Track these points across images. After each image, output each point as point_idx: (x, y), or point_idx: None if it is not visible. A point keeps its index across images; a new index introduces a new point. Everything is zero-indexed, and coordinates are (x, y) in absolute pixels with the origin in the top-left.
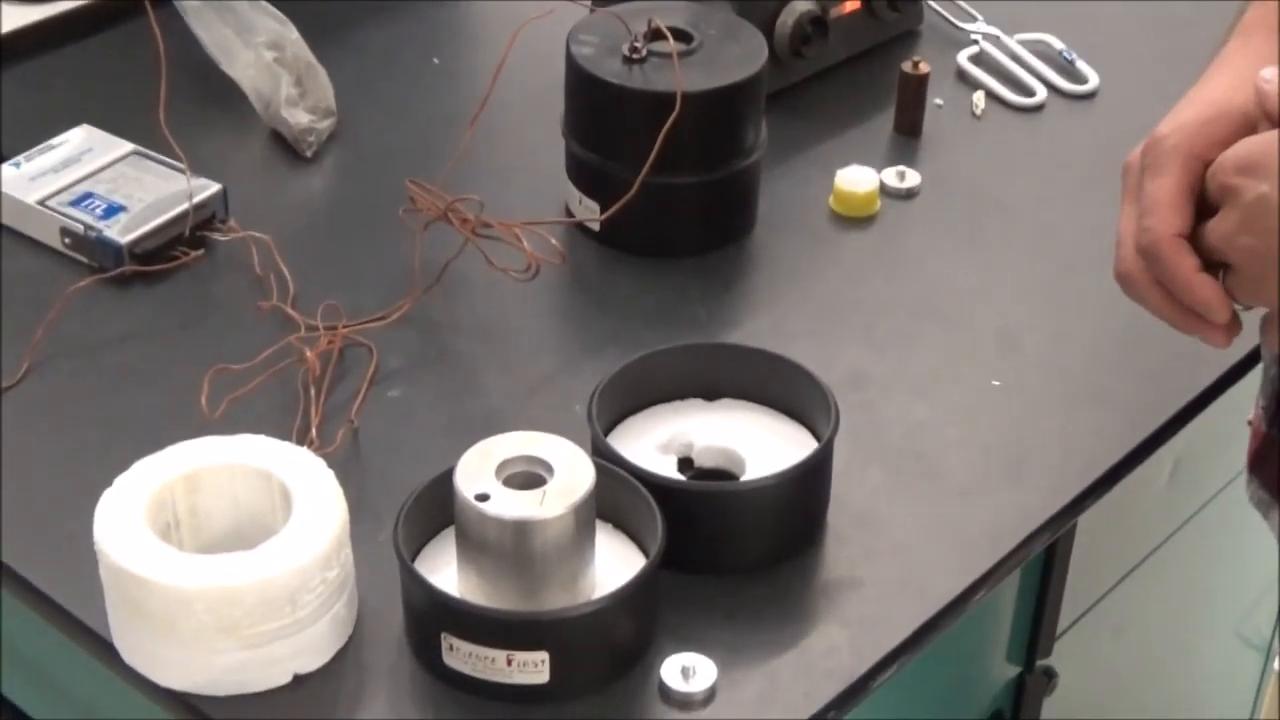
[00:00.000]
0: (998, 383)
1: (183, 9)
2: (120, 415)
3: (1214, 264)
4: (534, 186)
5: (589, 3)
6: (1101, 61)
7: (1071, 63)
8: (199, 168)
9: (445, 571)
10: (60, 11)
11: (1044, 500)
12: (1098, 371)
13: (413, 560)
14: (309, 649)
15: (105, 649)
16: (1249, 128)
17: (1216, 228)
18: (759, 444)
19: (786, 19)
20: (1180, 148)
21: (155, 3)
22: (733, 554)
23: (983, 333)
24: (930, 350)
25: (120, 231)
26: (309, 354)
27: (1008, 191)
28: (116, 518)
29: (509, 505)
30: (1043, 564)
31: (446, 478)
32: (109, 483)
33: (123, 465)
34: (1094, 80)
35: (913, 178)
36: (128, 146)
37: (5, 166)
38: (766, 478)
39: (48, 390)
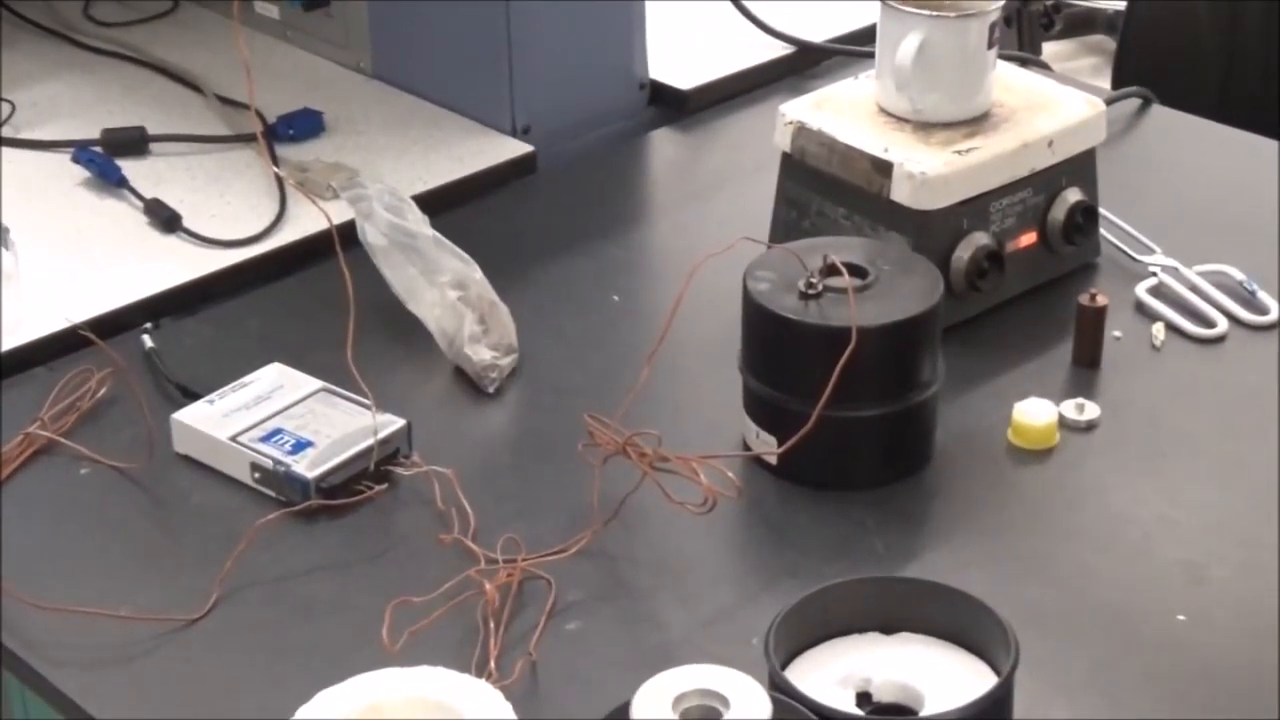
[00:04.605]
0: (1183, 617)
1: (371, 250)
2: (304, 646)
3: None
4: (711, 420)
5: (765, 240)
6: None
7: (1253, 294)
8: (384, 403)
9: None
10: (255, 255)
11: None
12: None
13: None
14: None
15: None
16: None
17: None
18: (938, 678)
19: (963, 253)
20: None
21: (344, 245)
22: None
23: (1167, 565)
24: (1112, 584)
25: (308, 466)
26: (488, 587)
27: (1190, 423)
28: None
29: None
30: None
31: (623, 711)
32: (291, 713)
33: (305, 696)
34: (1275, 311)
35: (1092, 410)
36: (316, 384)
37: (199, 404)
38: (947, 713)
39: (235, 621)
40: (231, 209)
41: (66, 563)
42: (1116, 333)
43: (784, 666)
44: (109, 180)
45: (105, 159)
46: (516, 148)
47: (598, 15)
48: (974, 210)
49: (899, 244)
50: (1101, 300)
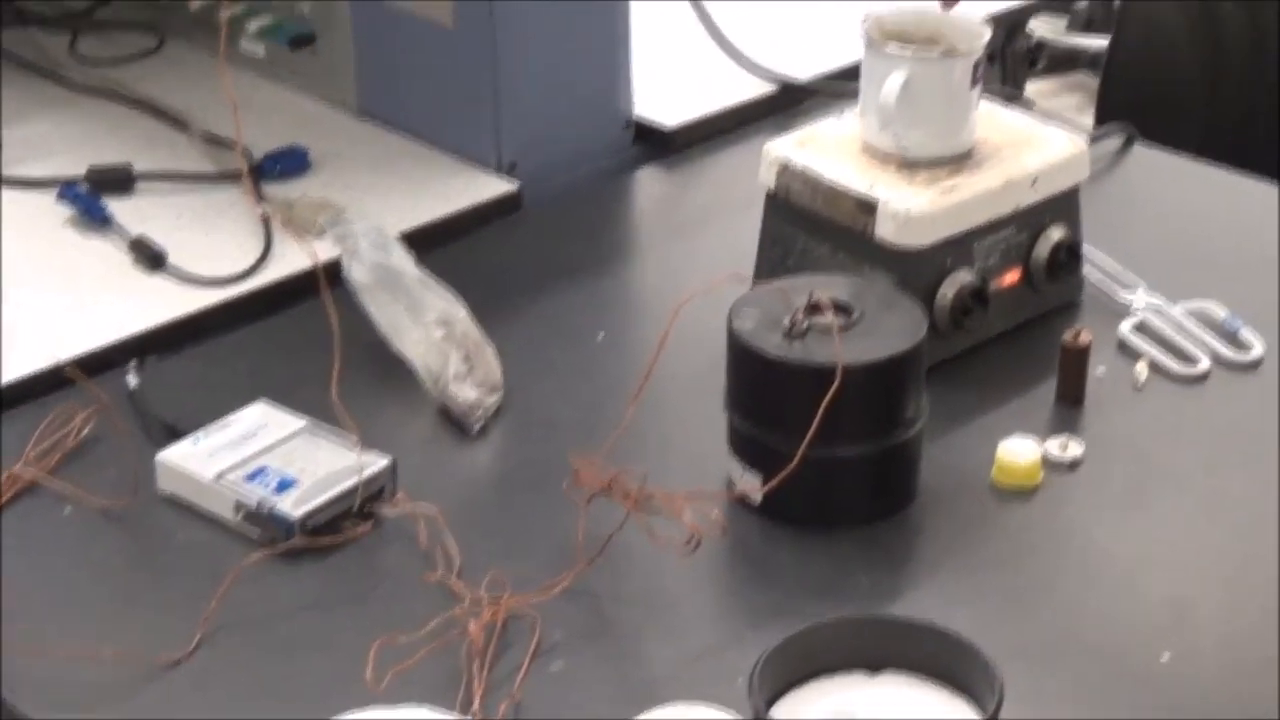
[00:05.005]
0: (1167, 657)
1: (356, 288)
2: (288, 685)
3: None
4: (696, 459)
5: (750, 278)
6: (1267, 328)
7: (1236, 331)
8: (369, 442)
9: None
10: (241, 293)
11: None
12: (1272, 640)
13: None
14: None
15: None
16: None
17: None
18: (923, 717)
19: (947, 291)
20: None
21: (330, 283)
22: None
23: (1153, 603)
24: (1097, 622)
25: (292, 505)
26: (473, 626)
27: (1174, 460)
28: None
29: None
30: None
31: None
32: None
33: None
34: (1259, 348)
35: (1076, 448)
36: (301, 422)
37: (184, 442)
38: None
39: (219, 660)
40: (217, 247)
41: (50, 602)
42: (1100, 370)
43: (769, 705)
44: (94, 218)
45: (91, 197)
46: (502, 185)
47: (583, 54)
48: (958, 248)
49: (883, 282)
50: (1085, 338)
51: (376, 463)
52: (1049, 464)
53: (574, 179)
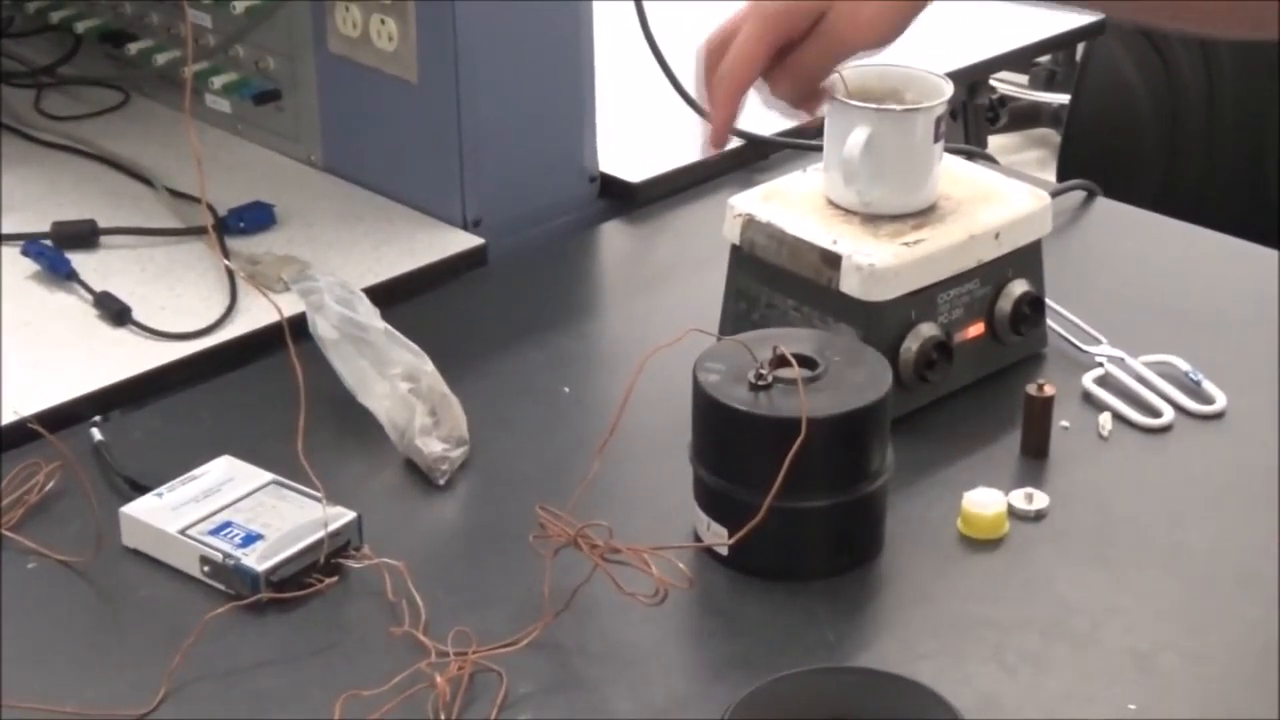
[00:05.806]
0: (1133, 707)
1: (321, 342)
2: None
3: None
4: (662, 512)
5: (715, 332)
6: (1229, 382)
7: (1198, 384)
8: (335, 496)
9: None
10: (206, 347)
11: None
12: (1236, 692)
13: None
14: None
15: None
16: None
17: None
18: None
19: (911, 344)
20: None
21: (295, 337)
22: None
23: (1117, 654)
24: (1063, 672)
25: (257, 559)
26: (439, 680)
27: (1138, 512)
28: None
29: None
30: None
31: None
32: None
33: None
34: (1221, 401)
35: (1041, 499)
36: (267, 476)
37: (148, 497)
38: None
39: (184, 715)
40: (182, 302)
41: (11, 658)
42: (1064, 422)
43: None
44: (59, 273)
45: (55, 252)
46: (467, 240)
47: (548, 109)
48: (922, 301)
49: (848, 335)
50: (1049, 390)
51: (342, 516)
52: (1014, 515)
53: (539, 234)
